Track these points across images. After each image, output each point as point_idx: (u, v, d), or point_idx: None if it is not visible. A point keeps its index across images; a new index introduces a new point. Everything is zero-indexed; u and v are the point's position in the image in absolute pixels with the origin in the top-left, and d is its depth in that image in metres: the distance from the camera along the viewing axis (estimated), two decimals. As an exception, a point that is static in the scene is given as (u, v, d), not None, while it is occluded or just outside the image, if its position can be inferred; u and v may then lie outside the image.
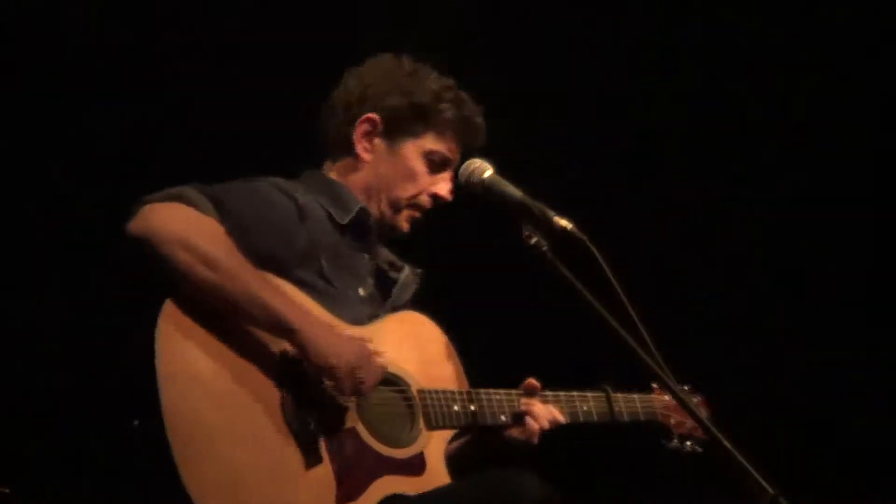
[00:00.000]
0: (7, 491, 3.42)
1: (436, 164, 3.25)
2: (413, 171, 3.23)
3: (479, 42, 4.40)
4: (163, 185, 2.88)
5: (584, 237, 2.93)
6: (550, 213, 2.99)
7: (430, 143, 3.24)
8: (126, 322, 2.86)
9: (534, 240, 2.96)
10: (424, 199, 3.26)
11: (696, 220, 4.81)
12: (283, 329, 2.83)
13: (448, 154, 3.26)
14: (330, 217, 3.14)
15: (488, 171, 3.14)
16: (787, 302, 4.81)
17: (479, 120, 3.30)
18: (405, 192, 3.23)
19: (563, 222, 2.97)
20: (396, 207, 3.24)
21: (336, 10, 4.28)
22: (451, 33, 4.31)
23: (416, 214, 3.28)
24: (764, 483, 2.57)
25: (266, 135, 4.11)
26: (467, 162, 3.19)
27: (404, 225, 3.27)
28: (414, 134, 3.23)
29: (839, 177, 4.76)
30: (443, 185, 3.25)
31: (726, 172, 4.82)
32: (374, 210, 3.23)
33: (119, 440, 2.78)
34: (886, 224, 4.78)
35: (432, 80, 3.26)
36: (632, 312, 2.82)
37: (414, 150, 3.24)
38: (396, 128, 3.23)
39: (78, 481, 3.57)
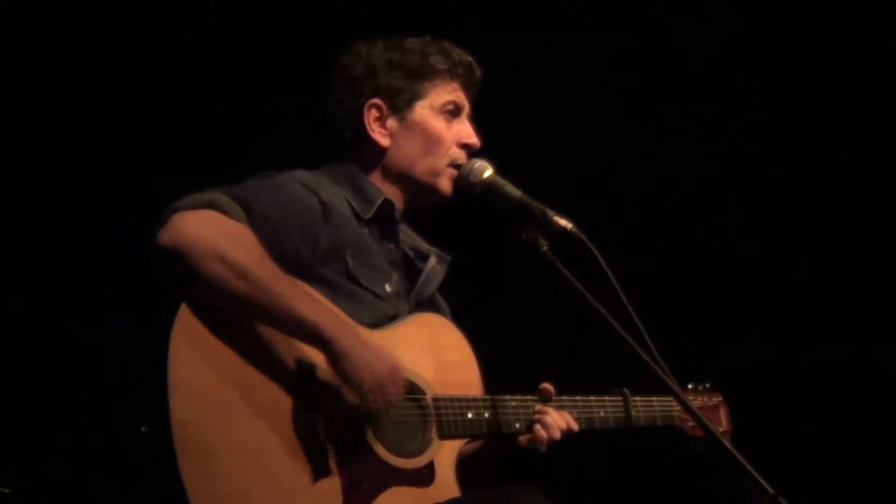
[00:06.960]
0: (7, 491, 3.44)
1: (451, 112, 3.24)
2: (436, 131, 3.21)
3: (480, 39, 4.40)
4: (181, 187, 2.84)
5: (584, 237, 2.91)
6: (550, 213, 2.98)
7: (437, 96, 3.22)
8: (139, 326, 2.85)
9: (533, 240, 2.95)
10: (457, 154, 3.22)
11: (696, 217, 4.78)
12: (318, 339, 2.80)
13: (457, 99, 3.25)
14: (354, 211, 3.12)
15: (488, 171, 3.14)
16: (788, 301, 4.74)
17: (469, 58, 3.28)
18: (436, 154, 3.21)
19: (563, 222, 2.96)
20: (435, 172, 3.21)
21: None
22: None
23: (456, 173, 3.23)
24: (764, 483, 2.54)
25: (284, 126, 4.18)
26: (468, 162, 3.18)
27: (447, 186, 3.22)
28: (419, 95, 3.22)
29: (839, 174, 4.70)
30: (466, 132, 3.23)
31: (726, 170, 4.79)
32: (412, 186, 3.20)
33: (125, 445, 2.78)
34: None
35: (411, 42, 3.25)
36: (632, 312, 2.80)
37: (427, 111, 3.22)
38: (401, 99, 3.21)
39: (78, 482, 3.59)
